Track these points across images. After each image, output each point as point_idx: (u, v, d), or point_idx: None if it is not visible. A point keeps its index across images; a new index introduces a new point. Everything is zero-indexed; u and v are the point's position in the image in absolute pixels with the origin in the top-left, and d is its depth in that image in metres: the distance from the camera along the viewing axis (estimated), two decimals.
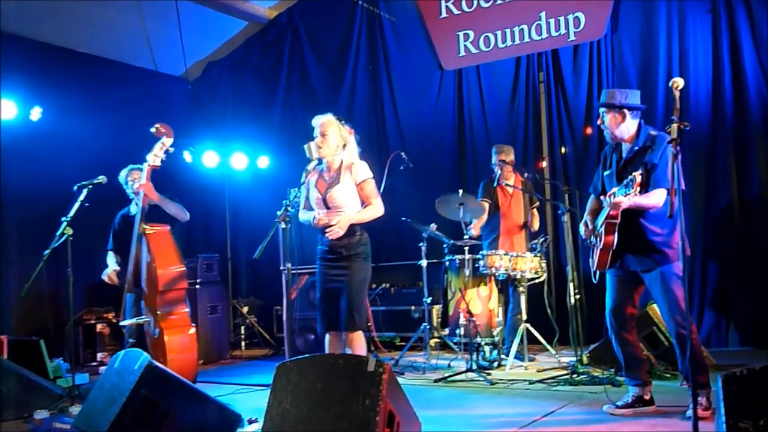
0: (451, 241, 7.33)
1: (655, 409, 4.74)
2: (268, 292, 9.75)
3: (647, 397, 4.75)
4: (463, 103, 9.30)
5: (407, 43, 9.73)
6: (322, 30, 10.40)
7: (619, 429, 4.38)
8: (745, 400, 2.96)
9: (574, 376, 5.95)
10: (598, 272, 4.83)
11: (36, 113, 7.72)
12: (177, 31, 9.46)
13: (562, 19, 8.55)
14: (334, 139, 5.06)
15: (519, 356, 6.94)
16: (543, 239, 7.10)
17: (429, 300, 7.39)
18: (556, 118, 8.62)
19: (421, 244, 7.39)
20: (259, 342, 9.57)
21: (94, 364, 8.00)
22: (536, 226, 7.58)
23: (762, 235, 7.39)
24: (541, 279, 7.09)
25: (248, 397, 6.03)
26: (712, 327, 7.53)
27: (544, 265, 7.03)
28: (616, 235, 4.58)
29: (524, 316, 6.91)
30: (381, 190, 5.19)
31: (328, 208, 5.08)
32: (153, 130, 5.93)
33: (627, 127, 4.70)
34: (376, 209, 5.09)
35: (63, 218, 5.81)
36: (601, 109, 4.77)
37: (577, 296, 6.29)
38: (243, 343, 9.57)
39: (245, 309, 9.64)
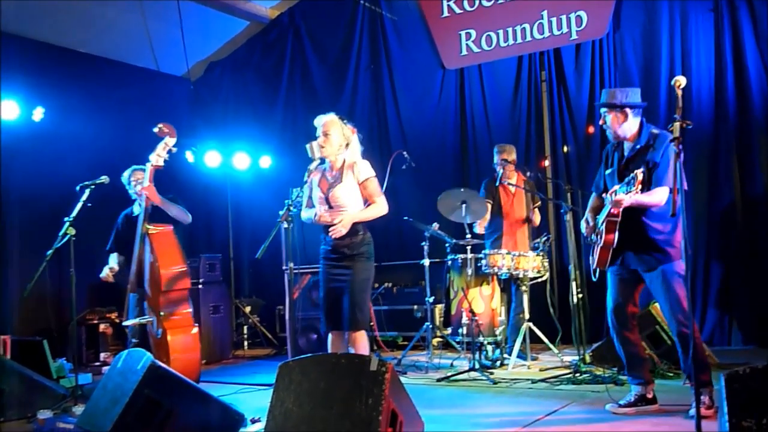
0: (454, 241, 7.33)
1: (657, 407, 4.74)
2: (270, 292, 9.75)
3: (650, 396, 4.75)
4: (465, 102, 9.30)
5: (409, 42, 9.73)
6: (324, 29, 10.40)
7: (622, 428, 4.38)
8: (748, 399, 2.96)
9: (577, 375, 5.95)
10: (598, 270, 4.83)
11: (38, 113, 7.72)
12: (179, 31, 9.47)
13: (564, 17, 8.54)
14: (336, 138, 5.06)
15: (521, 355, 6.94)
16: (545, 238, 7.10)
17: (431, 299, 7.38)
18: (558, 117, 8.61)
19: (423, 243, 7.39)
20: (261, 342, 9.57)
21: (97, 364, 8.01)
22: (537, 221, 7.57)
23: (765, 233, 7.38)
24: (544, 278, 7.09)
25: (251, 396, 6.03)
26: (715, 325, 7.53)
27: (546, 264, 7.03)
28: (616, 233, 4.57)
29: (527, 315, 6.90)
30: (383, 190, 5.19)
31: (330, 207, 5.08)
32: (156, 129, 5.94)
33: (629, 126, 4.70)
34: (380, 207, 5.09)
35: (66, 218, 5.82)
36: (603, 110, 4.77)
37: (580, 295, 6.28)
38: (246, 343, 9.58)
39: (248, 309, 9.64)
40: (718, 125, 7.64)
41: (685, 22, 7.86)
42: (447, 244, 7.41)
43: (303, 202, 5.28)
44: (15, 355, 6.21)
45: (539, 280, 7.07)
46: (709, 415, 4.26)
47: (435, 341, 7.67)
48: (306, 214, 5.26)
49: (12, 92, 7.64)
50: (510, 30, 8.90)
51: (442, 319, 8.17)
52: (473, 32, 9.17)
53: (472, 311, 6.66)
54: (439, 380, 6.34)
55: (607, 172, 4.89)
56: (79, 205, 5.88)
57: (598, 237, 4.73)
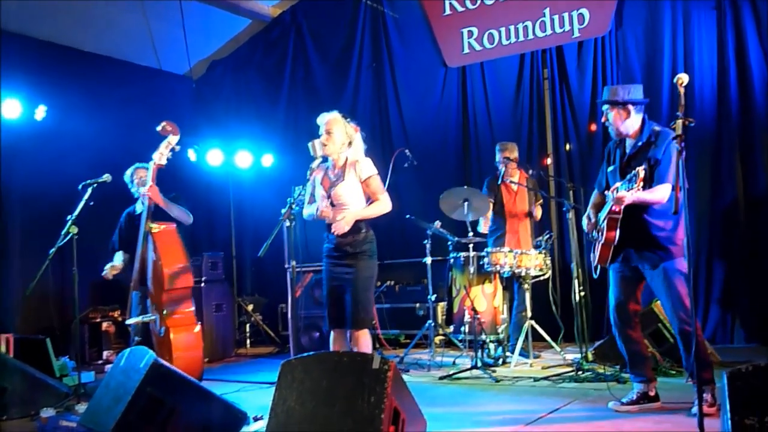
0: (456, 239, 7.33)
1: (660, 405, 4.74)
2: (273, 290, 9.77)
3: (652, 394, 4.75)
4: (467, 100, 9.29)
5: (411, 40, 9.73)
6: (326, 28, 10.40)
7: (624, 426, 4.38)
8: (750, 397, 2.96)
9: (579, 373, 5.95)
10: (599, 267, 4.83)
11: (41, 112, 7.73)
12: (181, 30, 9.47)
13: (566, 15, 8.53)
14: (339, 136, 5.05)
15: (524, 353, 6.94)
16: (548, 236, 7.10)
17: (434, 297, 7.38)
18: (560, 114, 8.61)
19: (425, 241, 7.38)
20: (264, 340, 9.58)
21: (100, 362, 8.02)
22: (539, 215, 7.54)
23: (767, 231, 7.37)
24: (546, 276, 7.09)
25: (253, 394, 6.04)
26: (718, 323, 7.52)
27: (548, 262, 7.02)
28: (618, 230, 4.57)
29: (529, 313, 6.91)
30: (385, 188, 5.18)
31: (333, 205, 5.07)
32: (159, 128, 5.94)
33: (631, 123, 4.69)
34: (384, 205, 5.07)
35: (68, 217, 5.83)
36: (605, 106, 4.77)
37: (582, 293, 6.27)
38: (248, 341, 9.59)
39: (250, 307, 9.65)
40: (721, 123, 7.63)
41: (688, 19, 7.85)
42: (449, 242, 7.41)
43: (305, 200, 5.28)
44: (18, 353, 6.23)
45: (541, 278, 7.07)
46: (712, 413, 4.26)
47: (437, 339, 7.67)
48: (308, 210, 5.26)
49: (14, 91, 7.65)
50: (512, 28, 8.89)
51: (444, 317, 8.15)
52: (475, 30, 9.16)
53: (474, 309, 6.66)
54: (441, 378, 6.35)
55: (609, 169, 4.89)
56: (81, 204, 5.89)
57: (600, 234, 4.73)
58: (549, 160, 8.72)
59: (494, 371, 6.39)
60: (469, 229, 7.05)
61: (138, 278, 5.96)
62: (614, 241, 4.60)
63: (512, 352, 6.85)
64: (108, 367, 6.42)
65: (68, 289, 6.49)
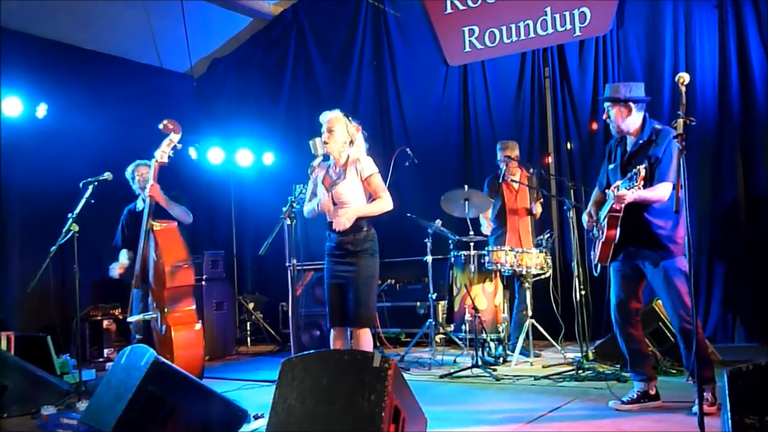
0: (457, 237, 7.33)
1: (660, 403, 4.74)
2: (273, 289, 9.78)
3: (652, 392, 4.75)
4: (469, 98, 9.29)
5: (412, 39, 9.73)
6: (327, 26, 10.39)
7: (625, 424, 4.38)
8: (750, 396, 2.96)
9: (580, 371, 5.94)
10: (599, 265, 4.84)
11: (42, 110, 7.73)
12: (182, 28, 9.48)
13: (567, 14, 8.53)
14: (340, 135, 5.05)
15: (524, 352, 6.94)
16: (548, 235, 7.10)
17: (434, 296, 7.38)
18: (561, 113, 8.61)
19: (426, 240, 7.38)
20: (264, 338, 9.58)
21: (101, 360, 8.02)
22: (539, 212, 7.53)
23: None
24: (547, 275, 7.09)
25: (254, 392, 6.04)
26: (718, 322, 7.52)
27: (549, 260, 7.02)
28: (618, 228, 4.58)
29: (530, 312, 6.91)
30: (386, 186, 5.18)
31: (334, 204, 5.07)
32: (161, 126, 5.95)
33: (632, 120, 4.69)
34: (385, 203, 5.07)
35: (69, 215, 5.82)
36: (606, 104, 4.77)
37: (583, 292, 6.28)
38: (249, 339, 9.59)
39: (251, 305, 9.65)
40: (722, 122, 7.63)
41: (689, 18, 7.85)
42: (450, 241, 7.42)
43: (306, 198, 5.28)
44: (19, 351, 6.23)
45: (542, 276, 7.07)
46: (712, 412, 4.26)
47: (438, 338, 7.68)
48: (308, 207, 5.25)
49: (15, 89, 7.65)
50: (513, 26, 8.89)
51: (444, 315, 8.15)
52: (476, 29, 9.15)
53: (475, 308, 6.65)
54: (442, 377, 6.35)
55: (610, 167, 4.90)
56: (82, 202, 5.89)
57: (600, 232, 4.73)
58: (550, 159, 8.73)
59: (495, 370, 6.40)
60: (470, 227, 7.06)
61: (139, 276, 5.97)
62: (615, 240, 4.61)
63: (513, 351, 6.86)
64: (109, 365, 6.43)
65: (69, 287, 6.47)
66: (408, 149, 7.21)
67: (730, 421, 2.96)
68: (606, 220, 4.62)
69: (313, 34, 10.47)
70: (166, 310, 5.80)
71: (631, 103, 4.67)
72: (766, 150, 7.44)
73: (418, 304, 8.31)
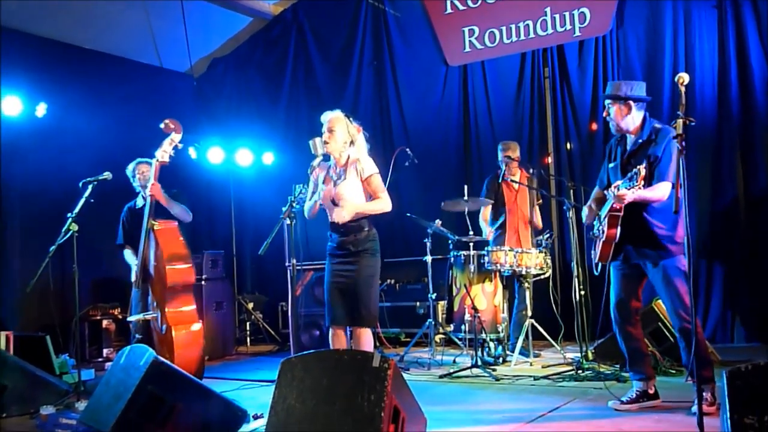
0: (456, 237, 7.33)
1: (660, 402, 4.74)
2: (273, 288, 9.78)
3: (651, 391, 4.76)
4: (468, 98, 9.29)
5: (412, 39, 9.73)
6: (327, 26, 10.39)
7: (624, 424, 4.38)
8: (750, 396, 2.96)
9: (579, 371, 5.95)
10: (600, 264, 4.84)
11: (41, 109, 7.72)
12: (182, 28, 9.48)
13: (567, 14, 8.53)
14: (341, 135, 5.04)
15: (524, 352, 6.95)
16: (548, 235, 7.10)
17: (434, 296, 7.39)
18: (561, 113, 8.61)
19: (425, 240, 7.39)
20: (264, 338, 9.57)
21: (100, 360, 8.02)
22: (539, 222, 7.55)
23: (767, 231, 7.37)
24: (547, 275, 7.09)
25: (254, 392, 6.03)
26: (718, 322, 7.52)
27: (549, 261, 7.02)
28: (618, 228, 4.58)
29: (529, 312, 6.91)
30: (386, 186, 5.18)
31: (334, 204, 5.07)
32: (162, 125, 5.95)
33: (632, 119, 4.70)
34: (384, 203, 5.06)
35: (68, 214, 5.83)
36: (607, 101, 4.78)
37: (582, 292, 6.28)
38: (248, 339, 9.58)
39: (250, 305, 9.65)
40: (721, 122, 7.63)
41: (689, 18, 7.85)
42: (449, 241, 7.42)
43: (307, 198, 5.28)
44: (18, 350, 6.22)
45: (542, 276, 7.07)
46: (712, 412, 4.27)
47: (437, 338, 7.67)
48: (309, 204, 5.24)
49: (15, 88, 7.64)
50: (513, 27, 8.89)
51: (444, 315, 8.16)
52: (476, 29, 9.15)
53: (474, 308, 6.65)
54: (441, 377, 6.35)
55: (611, 165, 4.90)
56: (81, 201, 5.89)
57: (601, 231, 4.74)
58: (550, 159, 8.73)
59: (494, 370, 6.40)
60: (470, 227, 7.06)
61: (140, 275, 5.96)
62: (615, 239, 4.61)
63: (512, 351, 6.86)
64: (108, 364, 6.42)
65: (68, 286, 6.48)
66: (408, 149, 7.21)
67: (729, 421, 2.97)
68: (606, 219, 4.62)
69: (313, 34, 10.47)
70: (166, 309, 5.80)
71: (631, 102, 4.67)
72: (765, 150, 7.45)
73: (418, 304, 8.31)
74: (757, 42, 7.46)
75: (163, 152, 5.91)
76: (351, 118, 5.14)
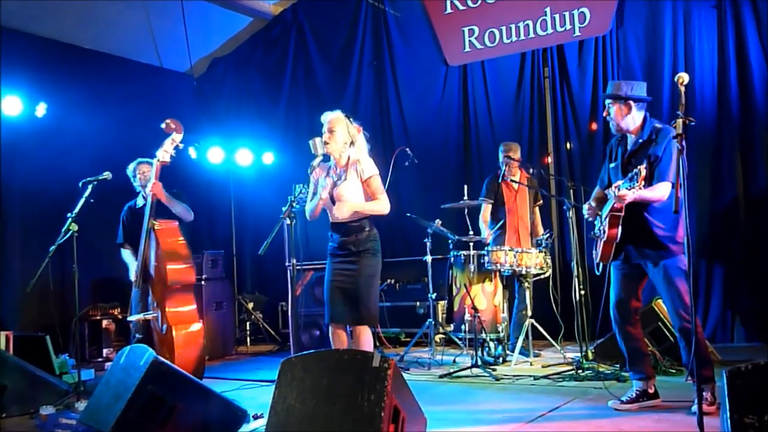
0: (456, 237, 7.33)
1: (660, 401, 4.75)
2: (273, 288, 9.78)
3: (651, 391, 4.76)
4: (468, 98, 9.29)
5: (412, 39, 9.72)
6: (327, 26, 10.39)
7: (624, 424, 4.38)
8: (750, 395, 2.96)
9: (579, 371, 5.95)
10: (601, 264, 4.85)
11: (41, 109, 7.72)
12: (182, 28, 9.48)
13: (567, 14, 8.53)
14: (341, 135, 5.04)
15: (524, 352, 6.95)
16: (548, 235, 7.10)
17: (434, 296, 7.39)
18: (561, 113, 8.61)
19: (425, 239, 7.39)
20: (264, 338, 9.57)
21: (100, 360, 8.02)
22: (540, 228, 7.55)
23: (767, 231, 7.37)
24: (547, 275, 7.09)
25: (254, 392, 6.03)
26: (718, 322, 7.52)
27: (549, 260, 7.02)
28: (619, 228, 4.58)
29: (529, 312, 6.91)
30: (386, 187, 5.18)
31: (334, 203, 5.07)
32: (163, 125, 5.96)
33: (632, 119, 4.70)
34: (382, 204, 5.06)
35: (68, 214, 5.83)
36: (607, 101, 4.78)
37: (582, 292, 6.28)
38: (248, 339, 9.58)
39: (250, 305, 9.64)
40: (721, 122, 7.63)
41: (688, 18, 7.85)
42: (449, 241, 7.42)
43: (307, 199, 5.28)
44: (18, 350, 6.22)
45: (542, 276, 7.07)
46: (712, 412, 4.27)
47: (437, 338, 7.67)
48: (309, 206, 5.23)
49: (15, 88, 7.64)
50: (513, 26, 8.89)
51: (444, 315, 8.15)
52: (476, 29, 9.15)
53: (474, 308, 6.65)
54: (441, 377, 6.35)
55: (611, 165, 4.91)
56: (81, 201, 5.89)
57: (602, 232, 4.74)
58: (549, 159, 8.73)
59: (494, 370, 6.40)
60: (470, 227, 7.06)
61: (140, 275, 5.96)
62: (616, 239, 4.61)
63: (512, 351, 6.86)
64: (108, 364, 6.42)
65: (68, 286, 6.48)
66: (408, 149, 7.21)
67: (729, 421, 2.97)
68: (607, 219, 4.63)
69: (313, 34, 10.47)
70: (167, 309, 5.80)
71: (631, 102, 4.68)
72: (765, 150, 7.45)
73: (418, 303, 8.31)
74: (756, 42, 7.46)
75: (165, 152, 5.91)
76: (351, 119, 5.14)
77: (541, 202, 7.64)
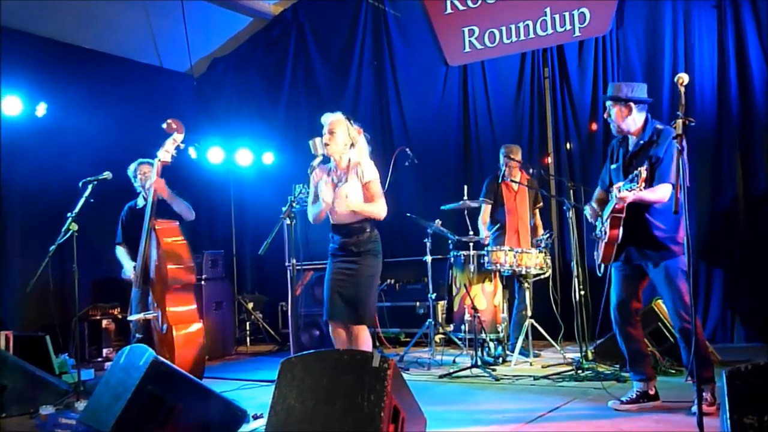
0: (456, 237, 7.33)
1: (660, 403, 4.75)
2: (273, 288, 9.78)
3: (652, 392, 4.76)
4: (468, 99, 9.29)
5: (412, 39, 9.72)
6: (327, 26, 10.39)
7: (624, 424, 4.39)
8: (749, 396, 2.96)
9: (579, 371, 5.95)
10: (602, 265, 4.85)
11: (41, 109, 7.72)
12: (182, 28, 9.48)
13: (567, 14, 8.53)
14: (341, 137, 5.04)
15: (524, 352, 6.94)
16: (548, 235, 7.10)
17: (434, 296, 7.39)
18: (561, 113, 8.61)
19: (425, 240, 7.39)
20: (264, 338, 9.57)
21: (100, 359, 8.02)
22: (539, 228, 7.56)
23: (767, 231, 7.37)
24: (546, 275, 7.09)
25: (253, 392, 6.03)
26: (718, 322, 7.52)
27: (549, 261, 7.02)
28: (621, 229, 4.58)
29: (529, 312, 6.91)
30: (386, 187, 5.18)
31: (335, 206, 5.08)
32: (165, 125, 5.96)
33: (633, 120, 4.70)
34: (379, 208, 5.04)
35: (68, 214, 5.83)
36: (608, 102, 4.78)
37: (582, 292, 6.28)
38: (248, 339, 9.58)
39: (250, 305, 9.65)
40: (721, 122, 7.63)
41: (688, 18, 7.86)
42: (449, 241, 7.42)
43: (309, 201, 5.27)
44: (17, 350, 6.22)
45: (542, 276, 7.07)
46: (711, 412, 4.27)
47: (437, 338, 7.67)
48: (313, 210, 5.22)
49: (15, 88, 7.64)
50: (513, 27, 8.89)
51: (444, 315, 8.14)
52: (476, 29, 9.15)
53: (474, 308, 6.65)
54: (441, 377, 6.35)
55: (613, 167, 4.91)
56: (81, 201, 5.89)
57: (603, 233, 4.74)
58: (549, 159, 8.73)
59: (494, 370, 6.40)
60: (470, 227, 7.06)
61: (141, 275, 5.96)
62: (617, 240, 4.62)
63: (512, 351, 6.86)
64: (108, 364, 6.42)
65: (68, 286, 6.49)
66: (408, 149, 7.21)
67: (729, 421, 2.97)
68: (609, 220, 4.63)
69: (313, 34, 10.47)
70: (167, 309, 5.80)
71: (632, 103, 4.68)
72: (765, 150, 7.45)
73: (418, 304, 8.31)
74: (756, 42, 7.46)
75: (166, 152, 5.91)
76: (352, 120, 5.14)
77: (542, 204, 7.63)
